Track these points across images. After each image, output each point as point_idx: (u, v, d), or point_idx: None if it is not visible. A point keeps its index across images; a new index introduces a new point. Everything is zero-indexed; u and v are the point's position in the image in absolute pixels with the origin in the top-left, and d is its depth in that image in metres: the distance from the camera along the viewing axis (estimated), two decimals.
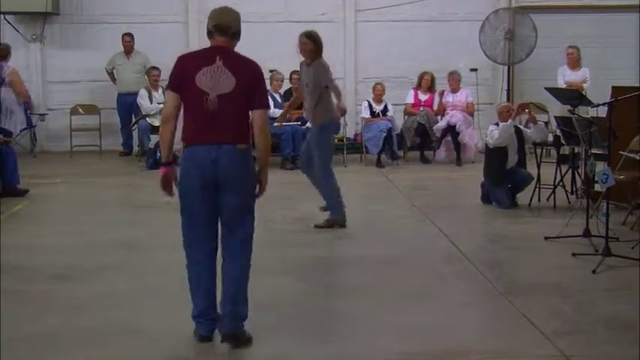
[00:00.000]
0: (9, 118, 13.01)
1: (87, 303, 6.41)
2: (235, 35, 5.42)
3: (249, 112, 5.36)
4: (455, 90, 14.77)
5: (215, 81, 5.22)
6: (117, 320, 5.91)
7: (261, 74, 5.42)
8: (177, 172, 5.33)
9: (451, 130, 14.41)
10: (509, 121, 10.19)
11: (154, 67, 14.81)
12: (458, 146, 14.44)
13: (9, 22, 15.82)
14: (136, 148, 15.45)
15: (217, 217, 5.33)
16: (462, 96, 14.77)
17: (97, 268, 7.42)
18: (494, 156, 10.37)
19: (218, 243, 5.36)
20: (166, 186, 5.40)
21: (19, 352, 5.31)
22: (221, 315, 5.35)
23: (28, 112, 13.60)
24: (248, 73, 5.34)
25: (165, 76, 14.42)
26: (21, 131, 13.29)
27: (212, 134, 5.22)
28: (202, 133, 5.24)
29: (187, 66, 5.32)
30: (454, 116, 14.41)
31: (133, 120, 15.21)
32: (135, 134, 15.35)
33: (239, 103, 5.27)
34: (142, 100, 14.67)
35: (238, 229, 5.34)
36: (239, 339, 5.30)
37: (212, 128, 5.22)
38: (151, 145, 14.37)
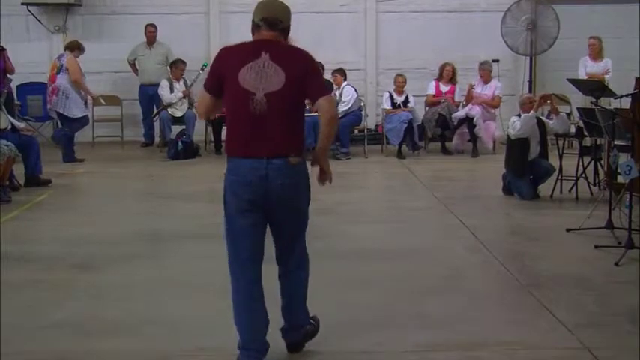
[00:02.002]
0: (64, 102, 13.28)
1: (109, 292, 6.45)
2: (285, 31, 4.79)
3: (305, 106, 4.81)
4: (487, 81, 14.70)
5: (262, 78, 4.55)
6: (139, 310, 5.94)
7: (313, 61, 4.77)
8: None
9: (469, 121, 14.39)
10: (531, 112, 10.15)
11: (182, 61, 14.80)
12: (474, 138, 14.41)
13: (32, 14, 15.93)
14: (157, 139, 15.52)
15: (264, 235, 4.81)
16: (491, 89, 14.70)
17: (119, 258, 7.46)
18: (516, 147, 10.33)
19: (262, 264, 4.84)
20: None
21: (42, 340, 5.35)
22: (284, 325, 5.05)
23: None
24: (298, 63, 4.67)
25: (189, 67, 14.57)
26: (78, 119, 13.53)
27: (259, 143, 4.56)
28: (248, 141, 4.58)
29: (229, 61, 4.68)
30: (473, 109, 14.38)
31: (155, 111, 15.27)
32: (156, 125, 15.41)
33: (291, 102, 4.62)
34: (163, 90, 14.71)
35: (295, 245, 4.92)
36: (303, 343, 5.10)
37: (259, 135, 4.56)
38: (172, 135, 14.43)
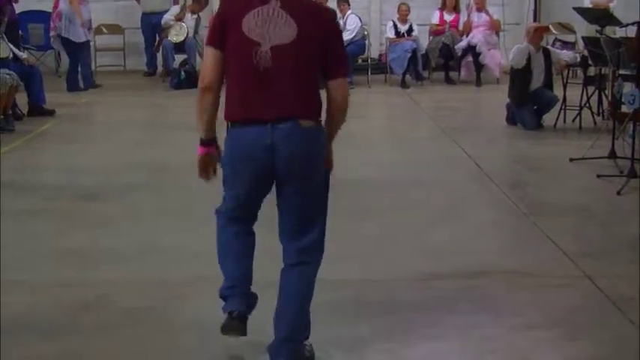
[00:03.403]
0: (68, 28, 13.30)
1: (113, 222, 6.47)
2: None
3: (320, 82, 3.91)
4: (480, 9, 14.59)
5: (269, 27, 3.76)
6: (143, 239, 5.97)
7: (336, 25, 4.08)
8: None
9: (472, 50, 14.31)
10: (524, 43, 10.16)
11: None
12: (478, 67, 14.35)
13: None
14: (160, 68, 15.45)
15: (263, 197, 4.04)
16: (487, 17, 14.59)
17: (122, 187, 7.47)
18: (517, 77, 10.31)
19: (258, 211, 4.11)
20: (204, 170, 4.02)
21: (45, 269, 5.40)
22: (272, 341, 3.98)
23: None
24: (317, 20, 3.87)
25: None
26: (82, 44, 13.60)
27: (263, 104, 3.77)
28: (250, 103, 3.80)
29: (232, 6, 3.91)
30: (475, 36, 14.31)
31: (157, 39, 15.18)
32: (159, 54, 15.33)
33: (302, 59, 3.81)
34: (168, 13, 14.66)
35: (306, 236, 4.00)
36: None
37: (263, 95, 3.78)
38: (175, 64, 14.37)
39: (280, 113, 3.77)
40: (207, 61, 3.89)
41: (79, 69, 13.82)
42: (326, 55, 3.85)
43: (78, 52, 13.67)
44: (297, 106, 3.81)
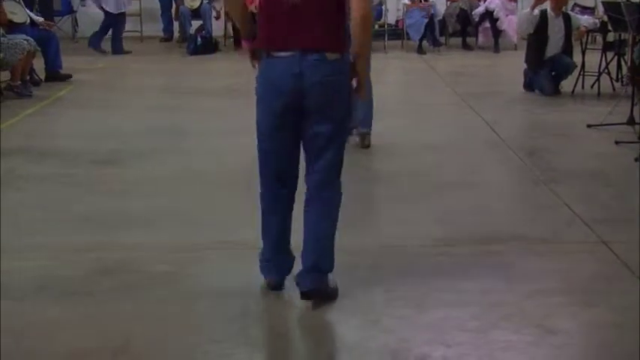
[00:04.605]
0: None
1: (132, 187, 6.50)
2: None
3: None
4: None
5: None
6: (163, 204, 5.98)
7: None
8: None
9: (489, 16, 14.23)
10: (528, 9, 10.12)
11: None
12: (496, 33, 14.27)
13: None
14: (176, 34, 15.44)
15: (299, 149, 4.22)
16: None
17: (140, 152, 7.49)
18: (533, 42, 10.26)
19: (297, 182, 4.30)
20: (255, 58, 4.27)
21: (65, 232, 5.43)
22: (300, 271, 4.33)
23: None
24: None
25: None
26: (117, 14, 13.85)
27: (293, 37, 3.98)
28: (281, 36, 4.01)
29: None
30: (492, 2, 14.22)
31: (174, 5, 15.17)
32: (175, 20, 15.34)
33: None
34: None
35: (323, 159, 4.17)
36: (321, 294, 4.29)
37: (293, 29, 3.98)
38: (192, 30, 14.36)
39: (308, 46, 3.98)
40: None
41: (111, 38, 14.12)
42: None
43: (112, 21, 13.80)
44: (324, 39, 4.02)
